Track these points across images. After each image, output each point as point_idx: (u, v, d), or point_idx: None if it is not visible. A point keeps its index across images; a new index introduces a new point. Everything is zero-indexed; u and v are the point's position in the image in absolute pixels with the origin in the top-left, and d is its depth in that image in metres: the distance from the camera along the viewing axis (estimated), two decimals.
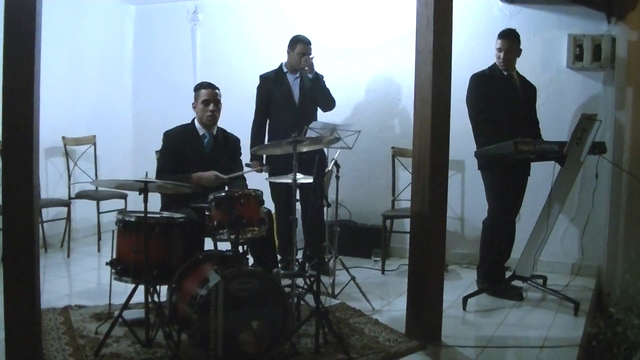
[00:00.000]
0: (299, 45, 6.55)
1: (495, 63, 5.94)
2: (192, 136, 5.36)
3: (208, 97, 5.33)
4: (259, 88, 6.69)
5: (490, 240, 5.94)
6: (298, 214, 5.15)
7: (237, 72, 7.94)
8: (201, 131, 5.38)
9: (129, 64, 8.88)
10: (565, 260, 6.73)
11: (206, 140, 5.39)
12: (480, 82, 5.87)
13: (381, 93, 7.58)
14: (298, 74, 6.63)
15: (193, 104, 5.41)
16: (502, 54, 5.85)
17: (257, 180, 5.58)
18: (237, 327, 3.90)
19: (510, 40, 5.86)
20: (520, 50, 5.95)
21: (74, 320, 4.85)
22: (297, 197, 4.76)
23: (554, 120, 6.61)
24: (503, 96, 5.83)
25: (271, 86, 6.61)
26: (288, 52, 6.65)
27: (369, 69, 7.61)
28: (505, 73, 5.91)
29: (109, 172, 8.04)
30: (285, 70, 6.65)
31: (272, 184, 6.25)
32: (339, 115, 7.17)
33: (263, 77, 6.70)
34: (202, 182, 5.14)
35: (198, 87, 5.42)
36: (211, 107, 5.33)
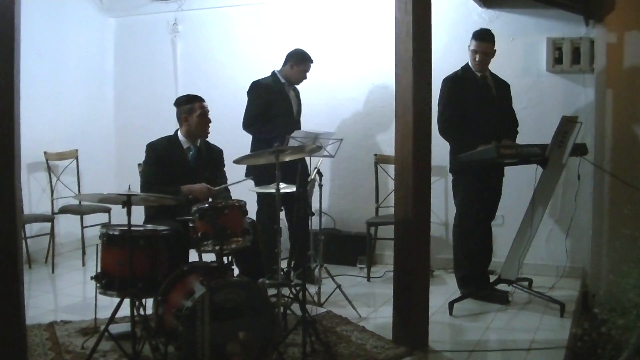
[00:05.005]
0: (306, 64, 6.55)
1: (467, 64, 5.94)
2: (176, 148, 5.31)
3: (204, 110, 5.31)
4: (256, 95, 6.50)
5: (462, 246, 5.96)
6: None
7: (218, 83, 7.93)
8: (185, 144, 5.34)
9: (110, 77, 8.84)
10: (550, 262, 6.76)
11: (191, 153, 5.35)
12: (453, 86, 5.84)
13: (362, 100, 7.59)
14: (292, 87, 6.63)
15: (183, 116, 5.29)
16: (477, 56, 5.84)
17: (242, 191, 5.57)
18: (224, 338, 3.89)
19: (486, 43, 5.83)
20: (495, 51, 5.95)
21: (59, 335, 4.83)
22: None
23: (536, 124, 6.64)
24: (478, 99, 5.83)
25: (270, 95, 6.48)
26: (291, 66, 6.53)
27: (350, 76, 7.62)
28: (479, 74, 5.92)
29: (92, 186, 8.00)
30: (283, 80, 6.57)
31: (258, 196, 6.26)
32: (320, 124, 7.18)
33: (262, 85, 6.52)
34: (193, 194, 5.11)
35: (190, 100, 5.32)
36: (208, 120, 5.34)
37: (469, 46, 5.88)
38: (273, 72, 6.61)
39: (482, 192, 5.81)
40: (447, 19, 6.92)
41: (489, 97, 5.89)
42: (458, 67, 5.99)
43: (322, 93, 7.49)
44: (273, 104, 6.48)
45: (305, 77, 6.61)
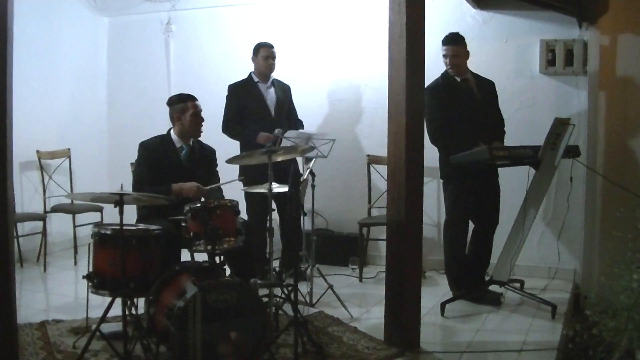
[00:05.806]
0: (262, 49, 6.59)
1: (447, 70, 5.94)
2: (169, 148, 5.31)
3: (197, 109, 5.29)
4: (229, 98, 6.62)
5: (451, 249, 5.97)
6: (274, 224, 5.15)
7: (211, 83, 7.88)
8: (178, 143, 5.33)
9: (103, 76, 8.82)
10: (542, 264, 6.77)
11: (183, 152, 5.34)
12: (436, 95, 5.80)
13: (355, 101, 7.59)
14: (270, 83, 6.63)
15: (176, 115, 5.28)
16: (447, 60, 5.85)
17: (234, 191, 5.57)
18: (216, 338, 3.89)
19: (452, 45, 5.83)
20: (468, 52, 5.94)
21: (51, 335, 4.81)
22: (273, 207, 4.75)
23: (528, 125, 6.66)
24: (461, 103, 5.81)
25: (243, 96, 6.55)
26: (253, 60, 6.65)
27: (343, 77, 7.62)
28: (459, 79, 5.91)
29: (85, 185, 7.98)
30: (256, 79, 6.62)
31: (245, 195, 6.24)
32: (314, 124, 7.18)
33: (233, 87, 6.64)
34: (183, 193, 5.10)
35: (183, 100, 5.31)
36: (201, 119, 5.33)
37: None
38: (249, 74, 6.70)
39: (471, 196, 5.81)
40: (441, 21, 6.90)
41: (472, 101, 5.87)
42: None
43: (315, 94, 7.50)
44: (247, 104, 6.54)
45: (271, 63, 6.63)
